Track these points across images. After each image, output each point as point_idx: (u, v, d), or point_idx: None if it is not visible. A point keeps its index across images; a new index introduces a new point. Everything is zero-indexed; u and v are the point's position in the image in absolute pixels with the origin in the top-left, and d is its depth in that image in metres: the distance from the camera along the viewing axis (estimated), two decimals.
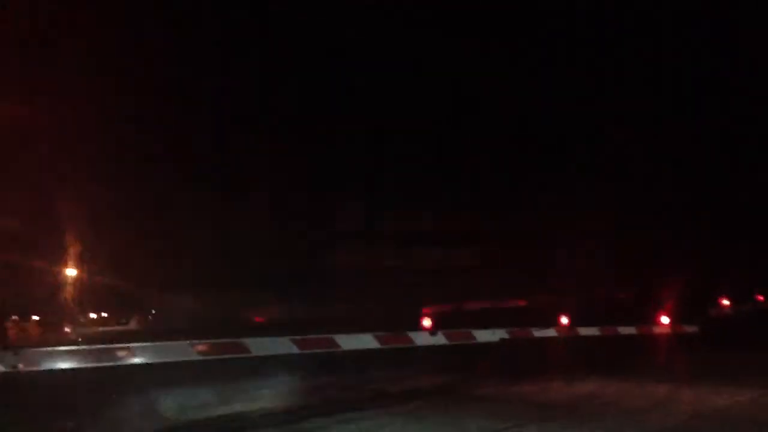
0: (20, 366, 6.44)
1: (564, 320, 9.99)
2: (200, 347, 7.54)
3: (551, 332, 9.85)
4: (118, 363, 6.99)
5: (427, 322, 8.62)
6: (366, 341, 8.24)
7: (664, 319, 11.28)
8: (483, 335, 9.11)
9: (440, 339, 8.68)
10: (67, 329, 19.99)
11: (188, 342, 7.56)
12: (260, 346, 7.79)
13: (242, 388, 9.05)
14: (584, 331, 10.26)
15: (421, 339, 8.60)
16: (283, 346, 7.85)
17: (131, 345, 7.27)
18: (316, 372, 9.94)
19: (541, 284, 11.48)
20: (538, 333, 9.68)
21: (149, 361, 7.22)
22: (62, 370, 6.74)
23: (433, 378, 9.91)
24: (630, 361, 11.17)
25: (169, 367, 7.54)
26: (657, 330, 11.33)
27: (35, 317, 22.23)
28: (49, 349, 7.07)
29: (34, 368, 6.60)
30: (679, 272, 12.51)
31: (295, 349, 7.85)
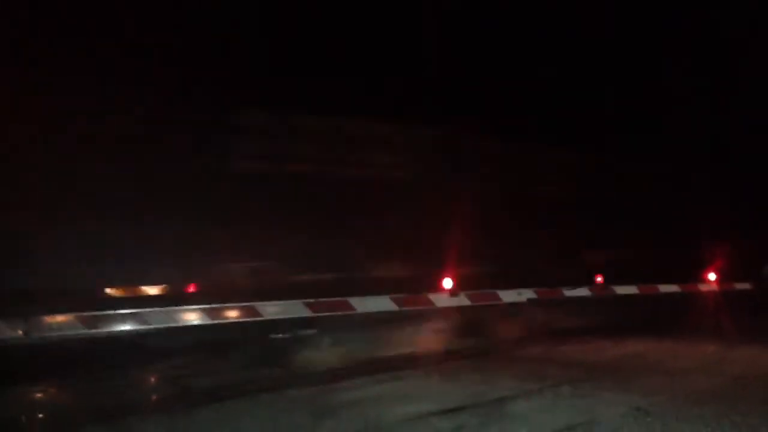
0: None
1: (599, 279, 9.53)
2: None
3: (584, 292, 9.41)
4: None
5: (447, 283, 8.31)
6: (382, 303, 8.01)
7: (711, 276, 10.67)
8: (508, 296, 8.77)
9: (462, 300, 8.39)
10: None
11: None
12: None
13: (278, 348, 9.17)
14: (621, 290, 9.77)
15: (441, 301, 8.32)
16: (297, 309, 7.70)
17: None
18: (352, 333, 9.98)
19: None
20: (569, 293, 9.26)
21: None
22: None
23: (475, 340, 9.85)
24: (678, 320, 10.78)
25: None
26: (703, 288, 10.73)
27: None
28: None
29: None
30: (731, 229, 11.84)
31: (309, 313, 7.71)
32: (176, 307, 7.34)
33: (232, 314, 7.55)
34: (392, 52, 10.36)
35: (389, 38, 10.41)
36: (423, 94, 10.25)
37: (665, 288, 10.26)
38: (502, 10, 11.43)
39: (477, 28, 11.38)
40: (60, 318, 6.70)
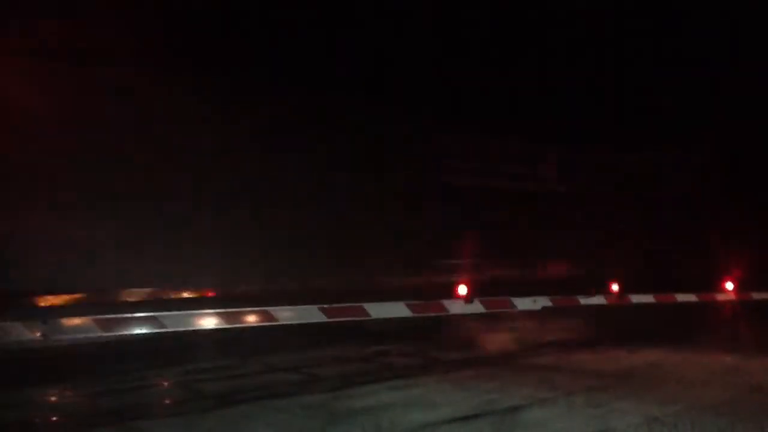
0: None
1: (614, 287, 9.44)
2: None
3: (600, 300, 9.32)
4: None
5: (462, 290, 8.27)
6: (397, 309, 7.99)
7: (729, 285, 10.53)
8: (523, 303, 8.71)
9: (477, 307, 8.34)
10: None
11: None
12: None
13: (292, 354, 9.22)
14: (637, 298, 9.68)
15: (455, 307, 8.28)
16: (311, 314, 7.70)
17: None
18: (367, 340, 10.03)
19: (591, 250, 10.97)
20: (584, 301, 9.18)
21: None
22: None
23: (489, 347, 9.86)
24: (695, 330, 10.69)
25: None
26: (721, 297, 10.60)
27: None
28: None
29: None
30: (749, 237, 11.72)
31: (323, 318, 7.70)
32: (192, 311, 7.36)
33: (247, 319, 7.56)
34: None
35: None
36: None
37: (682, 297, 10.15)
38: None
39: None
40: (77, 321, 6.75)
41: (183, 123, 8.90)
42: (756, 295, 10.79)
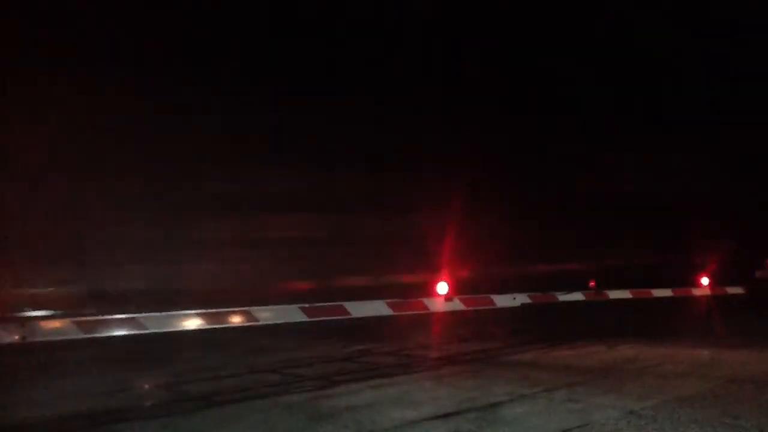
0: None
1: (592, 284, 9.58)
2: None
3: (578, 296, 9.45)
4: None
5: (442, 288, 8.33)
6: (377, 308, 8.04)
7: (704, 281, 10.73)
8: (503, 300, 8.80)
9: (456, 305, 8.42)
10: None
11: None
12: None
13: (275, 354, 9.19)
14: (615, 294, 9.83)
15: (435, 305, 8.35)
16: (292, 314, 7.72)
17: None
18: (350, 338, 10.06)
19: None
20: (563, 297, 9.30)
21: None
22: None
23: (469, 345, 9.89)
24: (671, 325, 10.86)
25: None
26: (696, 292, 10.80)
27: None
28: None
29: None
30: (723, 233, 11.92)
31: (304, 317, 7.72)
32: (172, 312, 7.34)
33: (228, 319, 7.56)
34: None
35: None
36: None
37: (658, 292, 10.32)
38: None
39: None
40: (57, 323, 6.71)
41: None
42: (731, 290, 11.01)
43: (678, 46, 12.34)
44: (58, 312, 7.02)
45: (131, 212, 8.31)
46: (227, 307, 7.63)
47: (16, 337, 6.63)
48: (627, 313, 10.72)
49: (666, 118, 13.03)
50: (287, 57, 9.63)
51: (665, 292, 10.39)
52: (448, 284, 8.48)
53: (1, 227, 7.60)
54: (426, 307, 8.29)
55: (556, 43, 11.41)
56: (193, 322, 7.42)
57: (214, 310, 7.53)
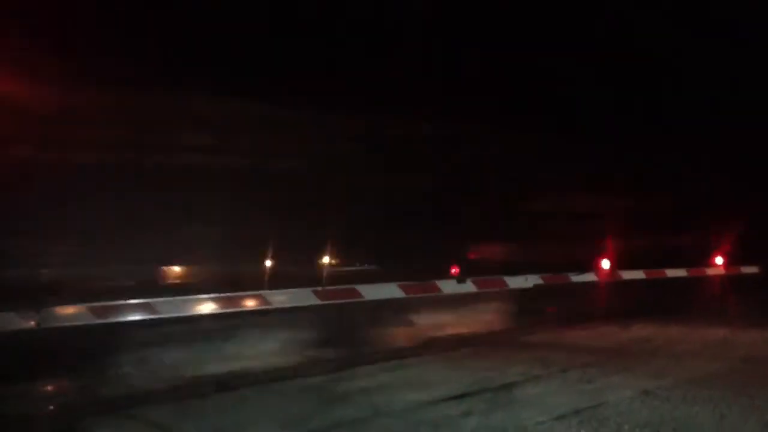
0: None
1: (605, 264, 9.53)
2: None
3: (591, 277, 9.42)
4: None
5: (454, 270, 8.34)
6: (390, 291, 8.04)
7: (719, 260, 10.66)
8: (515, 281, 8.79)
9: (468, 286, 8.41)
10: None
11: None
12: None
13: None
14: (628, 274, 9.79)
15: (448, 287, 8.34)
16: (305, 297, 7.74)
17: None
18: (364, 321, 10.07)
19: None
20: (576, 278, 9.27)
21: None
22: None
23: (487, 325, 9.89)
24: (686, 305, 10.81)
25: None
26: (710, 272, 10.73)
27: None
28: None
29: None
30: (737, 211, 11.81)
31: (317, 301, 7.74)
32: (185, 297, 7.38)
33: (242, 303, 7.60)
34: None
35: None
36: None
37: (672, 272, 10.27)
38: None
39: None
40: (71, 309, 6.76)
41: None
42: (745, 269, 10.94)
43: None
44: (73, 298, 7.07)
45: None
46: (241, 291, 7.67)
47: (32, 323, 6.70)
48: (640, 293, 10.66)
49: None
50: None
51: (679, 272, 10.34)
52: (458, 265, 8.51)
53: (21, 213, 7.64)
54: (438, 289, 8.29)
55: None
56: (207, 307, 7.46)
57: (227, 295, 7.57)
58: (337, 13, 9.02)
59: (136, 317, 7.16)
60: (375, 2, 9.42)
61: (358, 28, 9.27)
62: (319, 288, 7.75)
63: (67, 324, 6.87)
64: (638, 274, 9.97)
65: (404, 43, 9.29)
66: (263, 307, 7.61)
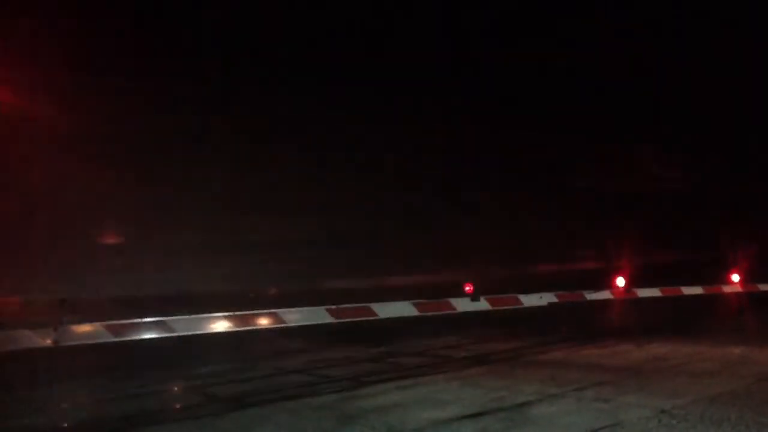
0: None
1: (620, 282, 9.47)
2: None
3: (606, 295, 9.36)
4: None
5: (468, 287, 8.31)
6: (403, 309, 8.03)
7: (735, 278, 10.56)
8: (530, 300, 8.75)
9: (483, 304, 8.38)
10: None
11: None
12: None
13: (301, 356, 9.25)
14: (643, 292, 9.71)
15: (462, 305, 8.32)
16: (319, 315, 7.75)
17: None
18: (380, 339, 10.08)
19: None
20: (590, 296, 9.21)
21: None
22: None
23: (501, 344, 9.86)
24: (702, 323, 10.71)
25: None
26: (727, 290, 10.63)
27: None
28: None
29: None
30: (753, 230, 11.75)
31: (330, 319, 7.75)
32: (200, 315, 7.41)
33: (256, 321, 7.61)
34: None
35: None
36: None
37: (689, 290, 10.18)
38: None
39: None
40: (88, 327, 6.81)
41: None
42: (762, 287, 10.82)
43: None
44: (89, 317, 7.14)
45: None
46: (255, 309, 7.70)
47: (49, 341, 6.76)
48: (656, 312, 10.59)
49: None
50: None
51: (696, 290, 10.25)
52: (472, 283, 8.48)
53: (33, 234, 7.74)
54: (453, 307, 8.27)
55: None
56: (220, 325, 7.48)
57: (241, 312, 7.59)
58: None
59: (151, 335, 7.20)
60: None
61: None
62: (333, 306, 7.75)
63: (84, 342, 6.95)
64: (654, 292, 9.89)
65: None
66: (277, 326, 7.62)
